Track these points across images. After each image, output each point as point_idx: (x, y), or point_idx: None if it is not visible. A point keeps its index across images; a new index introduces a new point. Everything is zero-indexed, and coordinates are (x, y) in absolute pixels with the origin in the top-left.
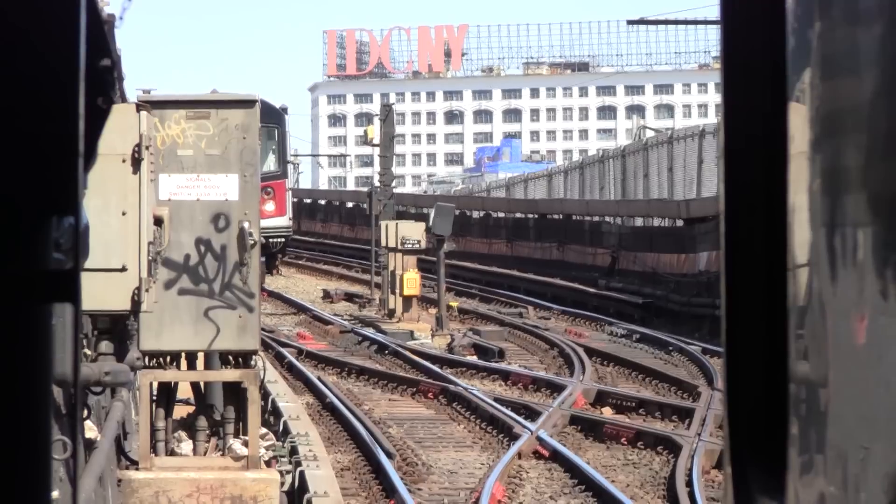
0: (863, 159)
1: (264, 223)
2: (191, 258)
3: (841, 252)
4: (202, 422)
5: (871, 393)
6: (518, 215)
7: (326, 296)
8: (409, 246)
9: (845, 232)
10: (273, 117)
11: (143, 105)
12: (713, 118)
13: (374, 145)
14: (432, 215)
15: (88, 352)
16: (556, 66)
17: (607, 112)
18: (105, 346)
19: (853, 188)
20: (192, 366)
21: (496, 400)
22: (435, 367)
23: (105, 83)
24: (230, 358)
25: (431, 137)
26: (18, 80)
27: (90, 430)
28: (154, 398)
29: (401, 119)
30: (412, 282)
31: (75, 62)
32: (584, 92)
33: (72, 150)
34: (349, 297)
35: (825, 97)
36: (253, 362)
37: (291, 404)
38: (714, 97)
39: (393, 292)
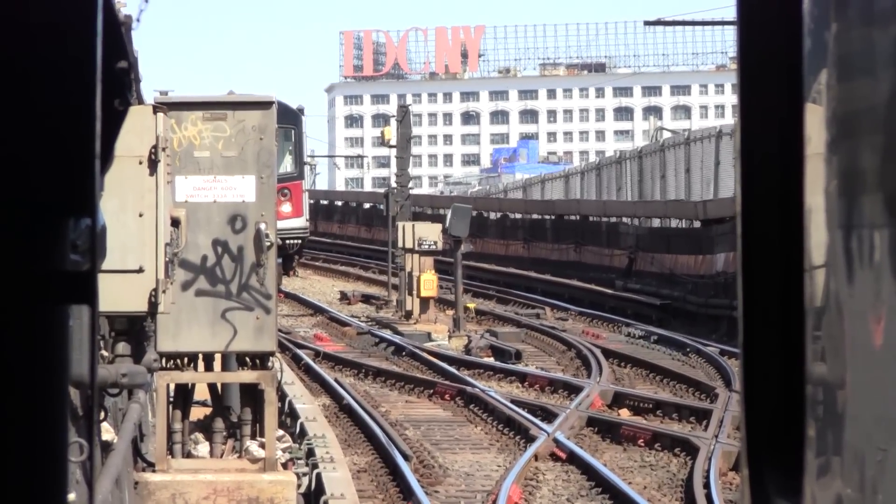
0: (879, 160)
1: (281, 224)
2: (208, 259)
3: (857, 253)
4: (219, 423)
5: (888, 394)
6: (535, 216)
7: (343, 297)
8: (426, 247)
9: (862, 233)
10: (290, 118)
11: (159, 107)
12: (730, 119)
13: (390, 146)
14: (449, 216)
15: (105, 353)
16: (573, 67)
17: (624, 113)
18: (122, 347)
19: (870, 189)
20: (209, 367)
21: (513, 402)
22: (452, 369)
23: (122, 85)
24: (247, 359)
25: (448, 138)
26: (36, 82)
27: (107, 431)
28: (171, 400)
29: (417, 120)
30: (429, 283)
31: (92, 64)
32: (600, 93)
33: (89, 151)
34: (366, 299)
35: (841, 98)
36: (270, 364)
37: (308, 406)
38: (731, 98)
39: (410, 294)
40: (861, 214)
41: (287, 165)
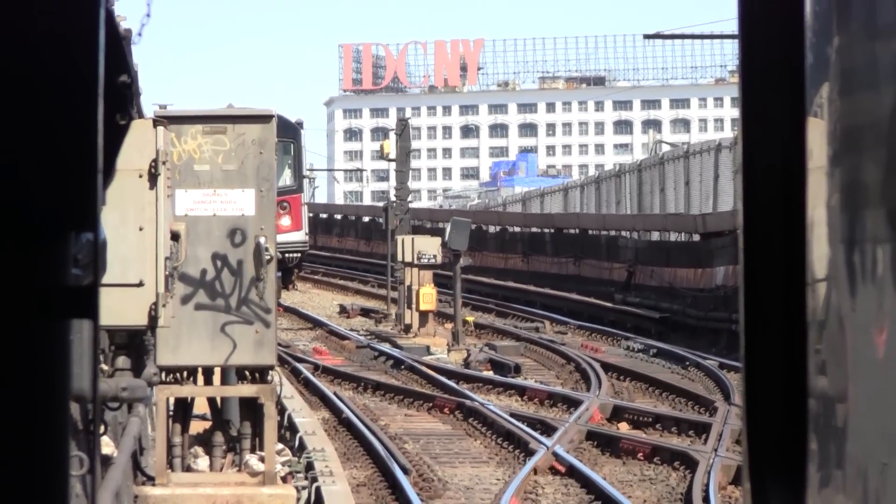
0: (881, 174)
1: (280, 238)
2: (207, 273)
3: (860, 267)
4: (218, 437)
5: (890, 408)
6: (534, 230)
7: (342, 311)
8: (426, 261)
9: (864, 247)
10: (289, 132)
11: (160, 120)
12: (729, 132)
13: (390, 160)
14: (448, 230)
15: (105, 367)
16: (572, 81)
17: (623, 126)
18: (122, 361)
19: (872, 203)
20: (208, 381)
21: (512, 415)
22: (451, 383)
23: (123, 99)
24: (247, 373)
25: (447, 152)
26: (38, 96)
27: (107, 445)
28: (171, 413)
29: (417, 133)
30: (428, 297)
31: (94, 78)
32: (600, 106)
33: (90, 165)
34: (365, 312)
35: (843, 112)
36: (269, 377)
37: (307, 420)
38: (730, 111)
39: (409, 307)
40: (863, 228)
41: (286, 179)
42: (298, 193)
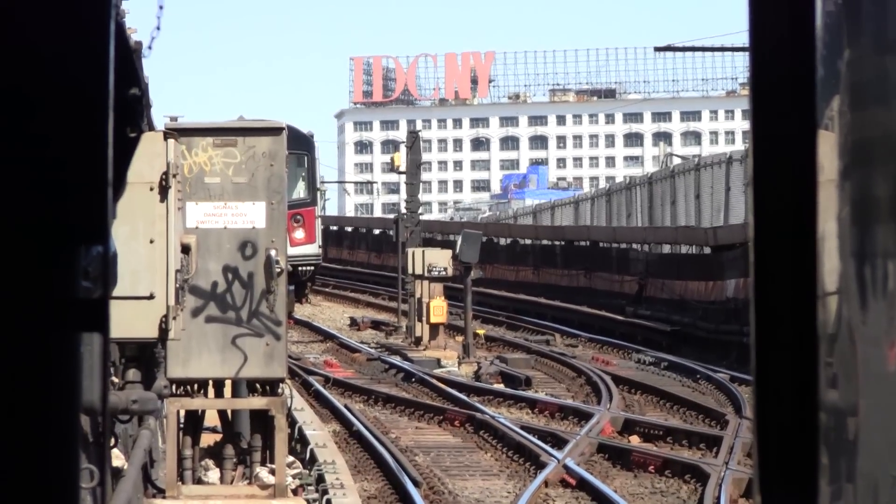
0: (892, 187)
1: (294, 251)
2: (218, 286)
3: (871, 280)
4: (229, 450)
5: None
6: (545, 242)
7: (353, 323)
8: (436, 273)
9: (875, 260)
10: (302, 144)
11: (170, 133)
12: (740, 145)
13: (400, 172)
14: (459, 242)
15: (116, 380)
16: (583, 93)
17: (634, 139)
18: (132, 373)
19: (883, 216)
20: (219, 394)
21: (523, 428)
22: (462, 395)
23: (134, 112)
24: (257, 386)
25: (458, 164)
26: (48, 109)
27: (117, 458)
28: (181, 426)
29: (427, 146)
30: (439, 309)
31: (104, 91)
32: (610, 119)
33: (101, 178)
34: (376, 325)
35: (854, 125)
36: (280, 390)
37: (318, 432)
38: (741, 124)
39: (420, 320)
40: (874, 242)
41: (300, 191)
42: (312, 206)
